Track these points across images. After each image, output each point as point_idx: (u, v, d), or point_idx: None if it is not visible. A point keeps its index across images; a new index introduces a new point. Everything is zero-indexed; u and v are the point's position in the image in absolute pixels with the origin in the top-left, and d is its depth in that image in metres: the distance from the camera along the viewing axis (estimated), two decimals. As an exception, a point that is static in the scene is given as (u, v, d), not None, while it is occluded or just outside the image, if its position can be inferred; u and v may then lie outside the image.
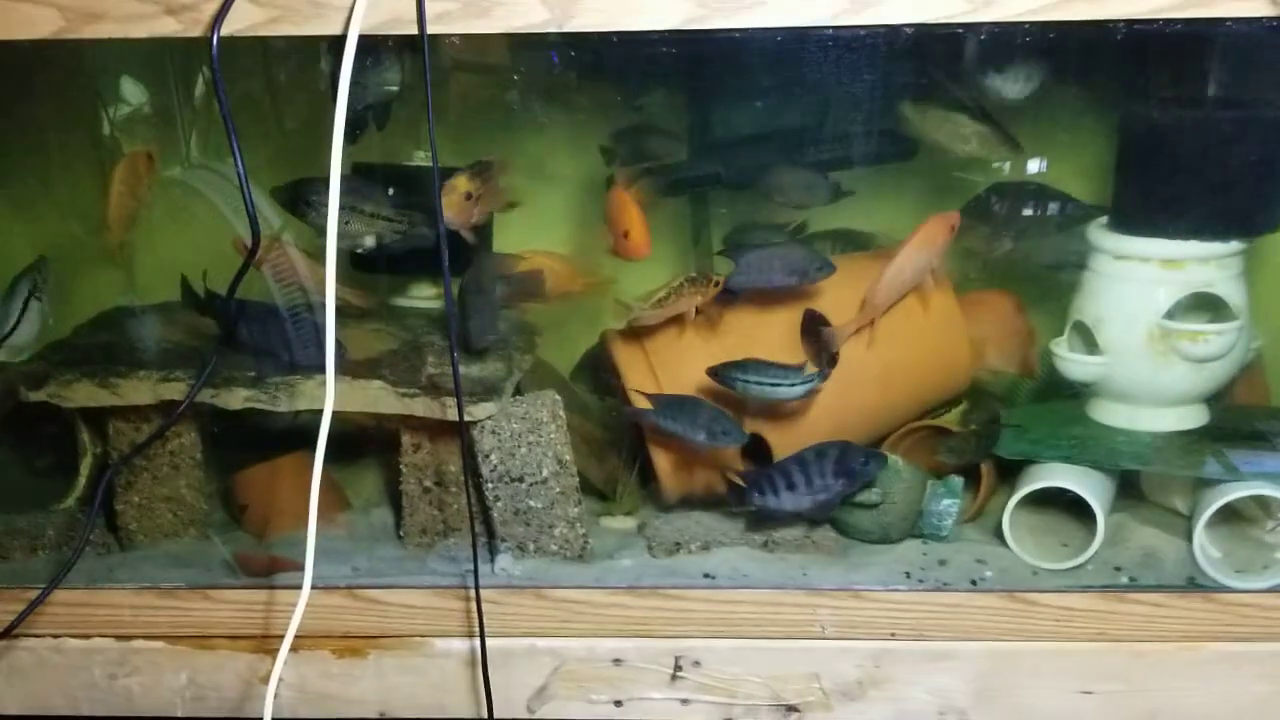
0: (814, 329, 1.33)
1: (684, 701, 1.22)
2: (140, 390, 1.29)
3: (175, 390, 1.28)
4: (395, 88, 1.28)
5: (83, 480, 1.39)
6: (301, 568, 1.10)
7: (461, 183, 1.28)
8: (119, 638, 1.25)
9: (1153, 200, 1.28)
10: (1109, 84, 1.37)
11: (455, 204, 1.28)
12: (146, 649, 1.25)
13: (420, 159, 1.40)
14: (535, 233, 1.53)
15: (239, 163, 1.05)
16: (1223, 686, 1.19)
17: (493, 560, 1.28)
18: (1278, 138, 1.25)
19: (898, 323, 1.35)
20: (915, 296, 1.37)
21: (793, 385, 1.28)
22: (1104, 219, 1.34)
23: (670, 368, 1.34)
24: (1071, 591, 1.21)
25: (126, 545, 1.37)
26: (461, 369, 1.21)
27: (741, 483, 1.28)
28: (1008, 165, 1.47)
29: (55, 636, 1.25)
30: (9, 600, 1.22)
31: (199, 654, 1.25)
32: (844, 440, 1.27)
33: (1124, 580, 1.24)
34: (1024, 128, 1.43)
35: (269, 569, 1.28)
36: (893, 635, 1.21)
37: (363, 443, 1.44)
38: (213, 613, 1.24)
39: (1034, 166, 1.46)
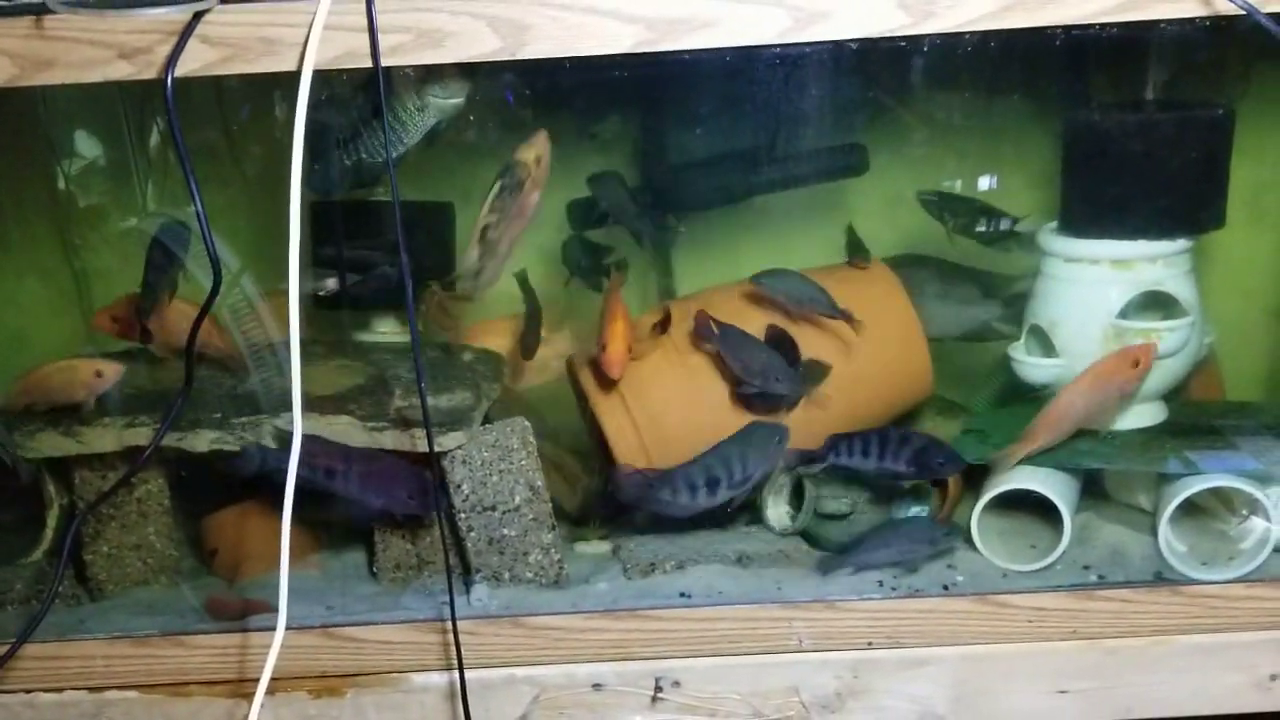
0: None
1: (666, 722, 1.22)
2: (105, 437, 1.28)
3: (140, 436, 1.27)
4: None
5: (49, 532, 1.37)
6: (274, 609, 1.10)
7: None
8: (92, 689, 1.23)
9: (1099, 202, 1.31)
10: (1050, 90, 1.41)
11: None
12: (121, 699, 1.23)
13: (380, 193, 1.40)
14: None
15: (198, 205, 1.05)
16: (1195, 678, 1.21)
17: (468, 591, 1.28)
18: (1216, 136, 1.29)
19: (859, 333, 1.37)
20: (873, 306, 1.39)
21: None
22: (1053, 223, 1.37)
23: (639, 394, 1.35)
24: (1042, 592, 1.22)
25: (96, 595, 1.35)
26: (430, 400, 1.21)
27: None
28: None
29: (27, 691, 1.23)
30: (-22, 657, 1.21)
31: (174, 701, 1.23)
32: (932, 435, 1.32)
33: (1093, 578, 1.25)
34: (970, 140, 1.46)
35: (241, 612, 1.27)
36: (870, 644, 1.21)
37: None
38: (186, 659, 1.23)
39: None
